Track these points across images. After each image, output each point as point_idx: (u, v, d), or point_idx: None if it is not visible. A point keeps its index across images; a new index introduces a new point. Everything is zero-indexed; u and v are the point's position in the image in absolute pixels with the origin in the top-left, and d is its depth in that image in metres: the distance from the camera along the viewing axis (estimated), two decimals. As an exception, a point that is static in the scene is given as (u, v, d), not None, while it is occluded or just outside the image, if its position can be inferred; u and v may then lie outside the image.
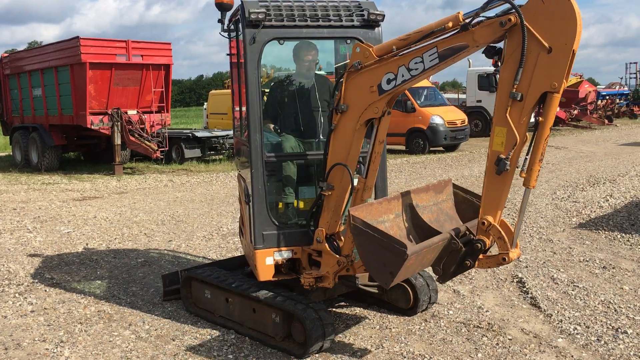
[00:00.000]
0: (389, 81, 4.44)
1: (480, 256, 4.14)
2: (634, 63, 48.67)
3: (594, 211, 10.01)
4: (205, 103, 28.30)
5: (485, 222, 4.05)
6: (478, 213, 4.20)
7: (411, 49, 4.27)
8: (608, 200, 10.83)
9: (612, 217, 9.42)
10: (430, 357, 4.78)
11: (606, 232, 8.51)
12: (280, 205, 5.52)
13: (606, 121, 32.02)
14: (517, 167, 3.86)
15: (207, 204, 12.11)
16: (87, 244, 8.85)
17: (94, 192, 14.12)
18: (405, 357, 4.81)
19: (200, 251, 8.34)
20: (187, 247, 8.56)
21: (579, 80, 32.45)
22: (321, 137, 5.68)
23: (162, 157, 18.20)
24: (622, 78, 47.26)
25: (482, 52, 4.10)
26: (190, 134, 19.66)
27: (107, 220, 10.57)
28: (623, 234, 8.36)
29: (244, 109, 5.39)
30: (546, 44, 3.61)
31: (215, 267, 6.07)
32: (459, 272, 4.35)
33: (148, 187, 14.76)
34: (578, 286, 6.29)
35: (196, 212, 11.22)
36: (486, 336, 5.15)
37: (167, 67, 18.71)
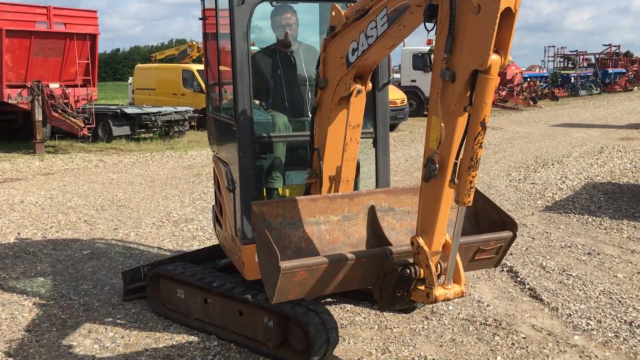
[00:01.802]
0: (353, 51, 3.78)
1: (422, 286, 3.36)
2: (552, 47, 50.37)
3: (555, 193, 9.88)
4: (130, 78, 26.79)
5: (414, 242, 3.31)
6: (495, 228, 3.74)
7: (370, 11, 3.57)
8: (565, 182, 10.76)
9: (576, 200, 9.30)
10: (446, 362, 4.30)
11: (577, 216, 8.34)
12: (264, 192, 4.86)
13: (531, 103, 32.78)
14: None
15: (148, 186, 11.18)
16: (19, 234, 7.83)
17: (15, 173, 12.82)
18: (417, 363, 4.31)
19: (152, 240, 7.53)
20: (136, 236, 7.72)
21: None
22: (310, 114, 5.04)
23: (89, 134, 16.89)
24: (543, 61, 48.78)
25: (424, 15, 3.35)
26: (118, 110, 18.38)
27: (38, 206, 9.49)
28: (594, 217, 8.21)
29: (225, 83, 4.68)
30: (474, 1, 2.76)
31: (185, 262, 5.34)
32: (395, 303, 3.54)
33: (77, 168, 13.57)
34: (571, 275, 6.00)
35: (138, 195, 10.29)
36: (498, 335, 4.72)
37: (92, 37, 17.34)
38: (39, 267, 6.49)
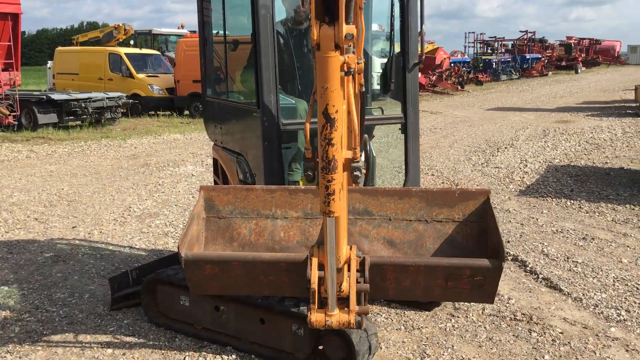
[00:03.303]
0: None
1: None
2: (472, 33, 51.50)
3: (523, 177, 9.84)
4: (50, 62, 25.10)
5: (314, 252, 2.93)
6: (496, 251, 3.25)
7: None
8: (527, 166, 10.77)
9: (546, 183, 9.28)
10: (494, 365, 3.99)
11: (555, 200, 8.28)
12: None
13: (459, 87, 33.34)
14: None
15: (94, 178, 10.32)
16: (-39, 236, 6.94)
17: (-63, 167, 11.58)
18: (464, 367, 3.98)
19: (119, 239, 6.84)
20: (101, 235, 6.99)
21: (434, 47, 33.36)
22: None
23: (15, 123, 15.59)
24: (465, 47, 49.79)
25: None
26: (44, 97, 17.06)
27: (-25, 203, 8.51)
28: (572, 201, 8.18)
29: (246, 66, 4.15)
30: None
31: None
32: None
33: (6, 160, 12.42)
34: (577, 262, 5.85)
35: (87, 189, 9.45)
36: (534, 331, 4.46)
37: (15, 17, 15.91)
38: (-2, 275, 5.71)
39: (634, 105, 21.06)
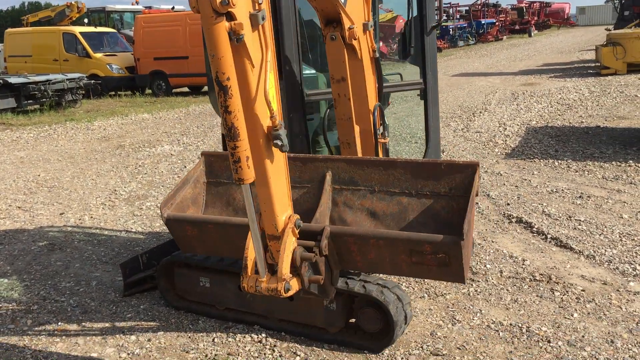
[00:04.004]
0: None
1: None
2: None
3: (505, 140, 9.92)
4: (0, 44, 24.08)
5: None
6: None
7: None
8: (506, 129, 10.86)
9: (530, 145, 9.38)
10: (526, 325, 3.99)
11: (542, 161, 8.37)
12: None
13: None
14: None
15: (69, 163, 9.97)
16: (-57, 229, 6.61)
17: None
18: (497, 329, 3.98)
19: (113, 223, 6.62)
20: (92, 220, 6.76)
21: (393, 15, 33.27)
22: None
23: (-27, 109, 14.94)
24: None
25: None
26: (0, 80, 16.36)
27: (-52, 194, 8.12)
28: (559, 161, 8.27)
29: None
30: None
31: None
32: None
33: (-30, 148, 11.91)
34: (580, 220, 5.92)
35: (64, 174, 9.12)
36: (556, 290, 4.50)
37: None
38: (-7, 267, 5.46)
39: (594, 65, 21.47)
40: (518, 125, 11.19)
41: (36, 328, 4.26)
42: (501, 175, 7.75)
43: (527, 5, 58.03)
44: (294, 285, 2.93)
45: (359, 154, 3.69)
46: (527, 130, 10.66)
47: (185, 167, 9.22)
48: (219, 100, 2.33)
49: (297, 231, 2.90)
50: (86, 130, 13.39)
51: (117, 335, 4.11)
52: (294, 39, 3.70)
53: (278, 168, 2.75)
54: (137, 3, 27.26)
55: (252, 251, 2.84)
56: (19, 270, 5.35)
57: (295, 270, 2.91)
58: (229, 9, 2.23)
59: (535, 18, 57.52)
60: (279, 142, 2.59)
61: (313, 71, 4.14)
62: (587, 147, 8.94)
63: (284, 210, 2.82)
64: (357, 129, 3.61)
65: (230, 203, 3.57)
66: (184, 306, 4.46)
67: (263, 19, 2.43)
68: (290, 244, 2.82)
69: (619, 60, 18.58)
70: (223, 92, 2.31)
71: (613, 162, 8.00)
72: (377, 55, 3.62)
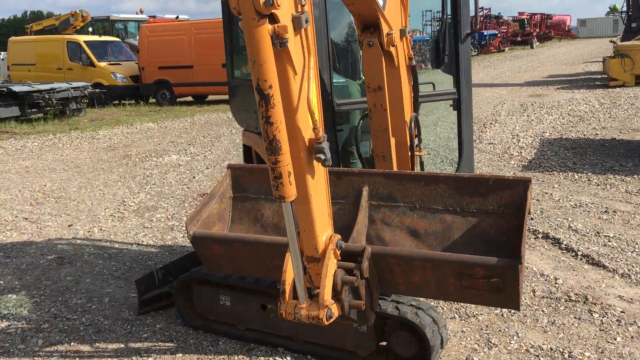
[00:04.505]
0: None
1: None
2: (429, 11, 51.61)
3: (520, 152, 9.73)
4: (3, 53, 23.95)
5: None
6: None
7: None
8: (520, 140, 10.67)
9: (547, 157, 9.18)
10: (568, 350, 3.78)
11: (562, 174, 8.17)
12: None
13: (422, 65, 33.32)
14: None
15: (75, 172, 9.76)
16: (-53, 241, 6.39)
17: None
18: (537, 354, 3.76)
19: (124, 236, 6.41)
20: (102, 233, 6.55)
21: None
22: (362, 77, 4.27)
23: (-23, 117, 14.76)
24: (423, 25, 49.85)
25: None
26: (4, 89, 16.18)
27: (-48, 205, 7.91)
28: (579, 174, 8.08)
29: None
30: None
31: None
32: None
33: (-27, 157, 11.71)
34: (609, 236, 5.71)
35: (71, 184, 8.91)
36: (594, 312, 4.28)
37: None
38: (1, 282, 5.23)
39: (600, 77, 21.32)
40: (531, 136, 11.00)
41: (47, 349, 4.04)
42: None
43: (528, 17, 58.08)
44: (335, 311, 2.72)
45: (395, 168, 3.49)
46: (541, 142, 10.46)
47: (194, 177, 9.02)
48: (260, 110, 2.14)
49: (338, 252, 2.69)
50: (91, 140, 13.20)
51: (133, 357, 3.89)
52: (325, 45, 3.52)
53: (319, 184, 2.54)
54: (141, 12, 27.16)
55: (290, 274, 2.62)
56: (28, 285, 5.13)
57: (335, 294, 2.69)
58: (273, 11, 2.03)
59: (537, 30, 57.55)
60: (322, 156, 2.38)
61: (343, 79, 3.95)
62: (606, 160, 8.75)
63: (324, 229, 2.61)
64: (392, 140, 3.41)
65: (258, 219, 3.36)
66: (203, 326, 4.24)
67: (306, 21, 2.23)
68: (332, 267, 2.61)
69: (627, 72, 18.43)
70: (264, 101, 2.12)
71: (635, 176, 7.80)
72: (414, 63, 3.43)
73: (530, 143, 10.41)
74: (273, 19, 2.08)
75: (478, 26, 3.84)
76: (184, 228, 6.57)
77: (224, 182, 3.35)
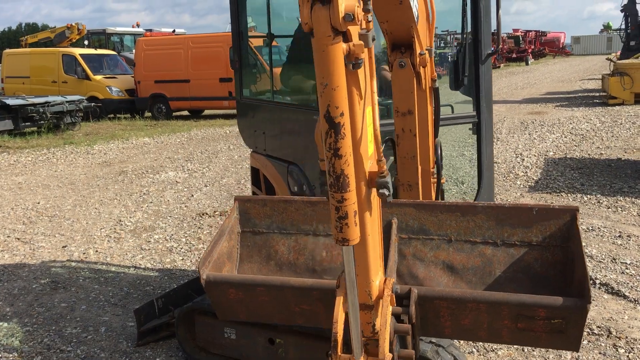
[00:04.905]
0: None
1: None
2: (445, 31, 51.70)
3: (525, 172, 9.54)
4: (-3, 65, 23.70)
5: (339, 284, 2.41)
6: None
7: None
8: (524, 160, 10.50)
9: (553, 178, 8.99)
10: (596, 390, 3.56)
11: (570, 195, 7.98)
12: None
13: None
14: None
15: (70, 189, 9.51)
16: (-64, 262, 6.13)
17: None
18: (564, 395, 3.53)
19: (120, 258, 6.16)
20: (97, 255, 6.29)
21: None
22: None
23: (-31, 131, 14.49)
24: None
25: None
26: (-3, 102, 15.94)
27: (-58, 223, 7.64)
28: (588, 195, 7.89)
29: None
30: None
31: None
32: None
33: (-35, 172, 11.43)
34: (626, 263, 5.51)
35: (65, 201, 8.66)
36: (619, 347, 4.06)
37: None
38: (-9, 308, 4.98)
39: (599, 94, 21.27)
40: (535, 156, 10.82)
41: (40, 384, 3.79)
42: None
43: (523, 34, 58.33)
44: None
45: (421, 197, 3.26)
46: (546, 161, 10.29)
47: (192, 195, 8.79)
48: (327, 141, 1.83)
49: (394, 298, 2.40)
50: (86, 155, 12.95)
51: (133, 395, 3.64)
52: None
53: (376, 222, 2.23)
54: (138, 26, 27.03)
55: (342, 325, 2.30)
56: (20, 312, 4.87)
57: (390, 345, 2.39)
58: (349, 26, 1.77)
59: (532, 47, 57.78)
60: (386, 192, 2.06)
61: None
62: (614, 181, 8.57)
63: (377, 273, 2.30)
64: (419, 168, 3.20)
65: (271, 257, 3.06)
66: (206, 359, 4.00)
67: (373, 39, 1.94)
68: (389, 315, 2.31)
69: (626, 91, 18.37)
70: (334, 131, 1.81)
71: (645, 198, 7.61)
72: (437, 85, 3.23)
73: (535, 162, 10.24)
74: (345, 37, 1.80)
75: (500, 45, 3.64)
76: (183, 250, 6.33)
77: (232, 217, 3.05)
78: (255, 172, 4.13)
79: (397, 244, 2.96)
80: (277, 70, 3.96)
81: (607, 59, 24.86)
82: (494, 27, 3.78)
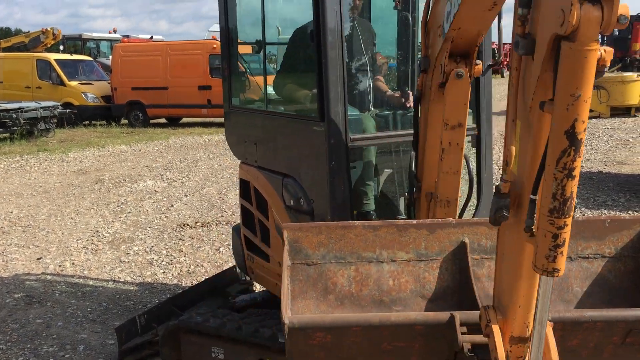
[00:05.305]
0: (447, 16, 2.70)
1: None
2: (402, 37, 52.04)
3: (509, 184, 9.51)
4: (-33, 69, 23.10)
5: (483, 316, 2.24)
6: None
7: None
8: (507, 172, 10.47)
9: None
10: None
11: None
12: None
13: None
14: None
15: (44, 198, 9.21)
16: None
17: None
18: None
19: (98, 271, 5.93)
20: (74, 267, 6.05)
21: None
22: (372, 108, 3.95)
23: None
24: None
25: None
26: (-32, 107, 15.52)
27: None
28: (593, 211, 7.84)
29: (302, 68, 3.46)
30: None
31: (213, 309, 4.01)
32: None
33: None
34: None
35: (39, 211, 8.37)
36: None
37: None
38: (-38, 325, 4.73)
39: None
40: (518, 168, 10.81)
41: (15, 408, 3.57)
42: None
43: (497, 47, 58.98)
44: None
45: (457, 214, 3.13)
46: (528, 174, 10.27)
47: (172, 205, 8.56)
48: (564, 160, 1.64)
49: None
50: (61, 162, 12.62)
51: (115, 419, 3.44)
52: (339, 72, 3.18)
53: None
54: (114, 32, 26.64)
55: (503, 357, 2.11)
56: (-8, 329, 4.63)
57: None
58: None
59: (507, 59, 58.47)
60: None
61: (357, 112, 3.62)
62: (597, 194, 8.57)
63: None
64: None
65: (329, 290, 2.76)
66: (192, 380, 3.82)
67: None
68: (554, 344, 2.13)
69: (602, 104, 18.58)
70: (574, 148, 1.62)
71: (630, 212, 7.61)
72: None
73: (517, 175, 10.21)
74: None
75: (501, 57, 3.54)
76: (164, 263, 6.12)
77: (285, 250, 2.74)
78: (245, 185, 3.98)
79: (471, 265, 2.79)
80: (266, 78, 3.83)
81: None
82: (494, 37, 3.68)
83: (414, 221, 2.81)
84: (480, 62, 2.80)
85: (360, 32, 3.95)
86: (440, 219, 3.05)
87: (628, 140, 13.65)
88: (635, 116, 18.24)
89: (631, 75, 18.77)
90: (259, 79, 4.13)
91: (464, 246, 2.79)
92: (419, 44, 4.94)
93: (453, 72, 2.73)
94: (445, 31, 2.70)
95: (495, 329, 2.10)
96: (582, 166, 7.79)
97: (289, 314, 2.34)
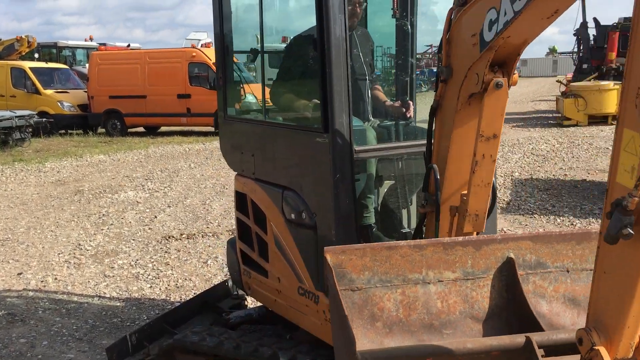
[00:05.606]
0: (491, 24, 2.59)
1: None
2: (380, 47, 52.32)
3: (498, 195, 9.48)
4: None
5: (584, 339, 2.10)
6: None
7: None
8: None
9: (523, 199, 8.96)
10: None
11: (543, 217, 7.94)
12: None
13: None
14: None
15: (22, 210, 8.96)
16: None
17: None
18: None
19: (83, 287, 5.73)
20: (57, 283, 5.85)
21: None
22: (371, 119, 3.86)
23: None
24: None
25: None
26: (-59, 117, 15.13)
27: None
28: (560, 217, 7.86)
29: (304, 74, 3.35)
30: None
31: (209, 327, 3.86)
32: None
33: None
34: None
35: (18, 223, 8.12)
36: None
37: None
38: (-60, 346, 4.51)
39: (552, 115, 21.73)
40: (502, 176, 10.81)
41: None
42: (506, 232, 7.24)
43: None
44: None
45: (483, 228, 3.03)
46: (513, 182, 10.28)
47: (155, 217, 8.37)
48: None
49: None
50: (38, 173, 12.33)
51: None
52: (344, 81, 3.08)
53: None
54: (91, 39, 26.26)
55: None
56: (-27, 350, 4.43)
57: None
58: None
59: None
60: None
61: (361, 123, 3.52)
62: (584, 203, 8.58)
63: None
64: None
65: (376, 317, 2.59)
66: (188, 402, 3.66)
67: None
68: None
69: (580, 112, 18.75)
70: None
71: (617, 220, 7.61)
72: None
73: (503, 183, 10.21)
74: None
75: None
76: (150, 277, 5.95)
77: (333, 276, 2.52)
78: (241, 198, 3.85)
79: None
80: (264, 88, 3.72)
81: (557, 81, 25.46)
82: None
83: (460, 238, 2.69)
84: (517, 72, 2.72)
85: (358, 40, 3.86)
86: (485, 235, 2.95)
87: (608, 148, 13.75)
88: (612, 124, 18.42)
89: (608, 83, 18.98)
90: (255, 89, 4.02)
91: (511, 262, 2.69)
92: (417, 54, 4.88)
93: (492, 81, 2.63)
94: (487, 39, 2.60)
95: (603, 351, 1.99)
96: (565, 175, 7.75)
97: (362, 350, 2.18)
